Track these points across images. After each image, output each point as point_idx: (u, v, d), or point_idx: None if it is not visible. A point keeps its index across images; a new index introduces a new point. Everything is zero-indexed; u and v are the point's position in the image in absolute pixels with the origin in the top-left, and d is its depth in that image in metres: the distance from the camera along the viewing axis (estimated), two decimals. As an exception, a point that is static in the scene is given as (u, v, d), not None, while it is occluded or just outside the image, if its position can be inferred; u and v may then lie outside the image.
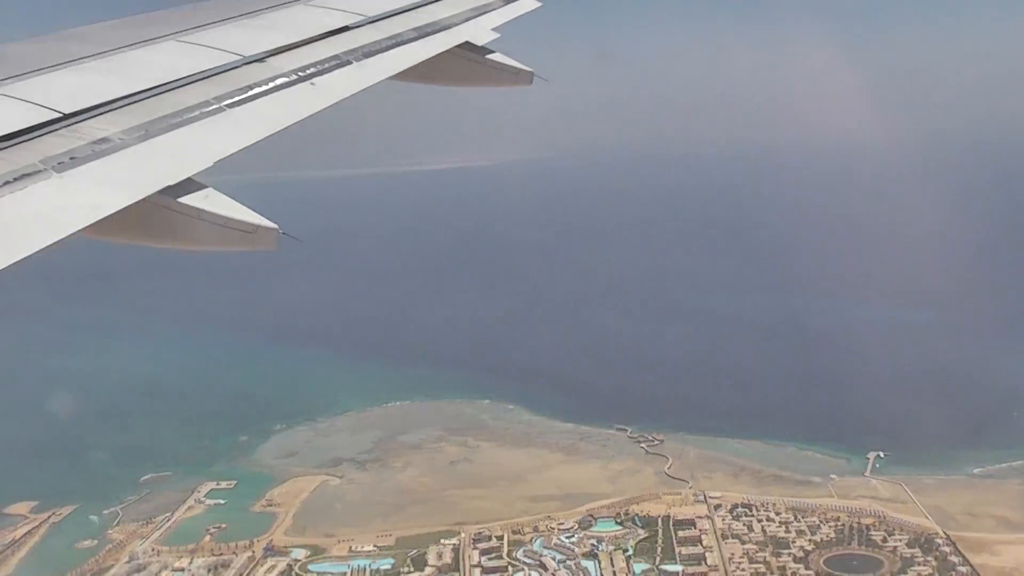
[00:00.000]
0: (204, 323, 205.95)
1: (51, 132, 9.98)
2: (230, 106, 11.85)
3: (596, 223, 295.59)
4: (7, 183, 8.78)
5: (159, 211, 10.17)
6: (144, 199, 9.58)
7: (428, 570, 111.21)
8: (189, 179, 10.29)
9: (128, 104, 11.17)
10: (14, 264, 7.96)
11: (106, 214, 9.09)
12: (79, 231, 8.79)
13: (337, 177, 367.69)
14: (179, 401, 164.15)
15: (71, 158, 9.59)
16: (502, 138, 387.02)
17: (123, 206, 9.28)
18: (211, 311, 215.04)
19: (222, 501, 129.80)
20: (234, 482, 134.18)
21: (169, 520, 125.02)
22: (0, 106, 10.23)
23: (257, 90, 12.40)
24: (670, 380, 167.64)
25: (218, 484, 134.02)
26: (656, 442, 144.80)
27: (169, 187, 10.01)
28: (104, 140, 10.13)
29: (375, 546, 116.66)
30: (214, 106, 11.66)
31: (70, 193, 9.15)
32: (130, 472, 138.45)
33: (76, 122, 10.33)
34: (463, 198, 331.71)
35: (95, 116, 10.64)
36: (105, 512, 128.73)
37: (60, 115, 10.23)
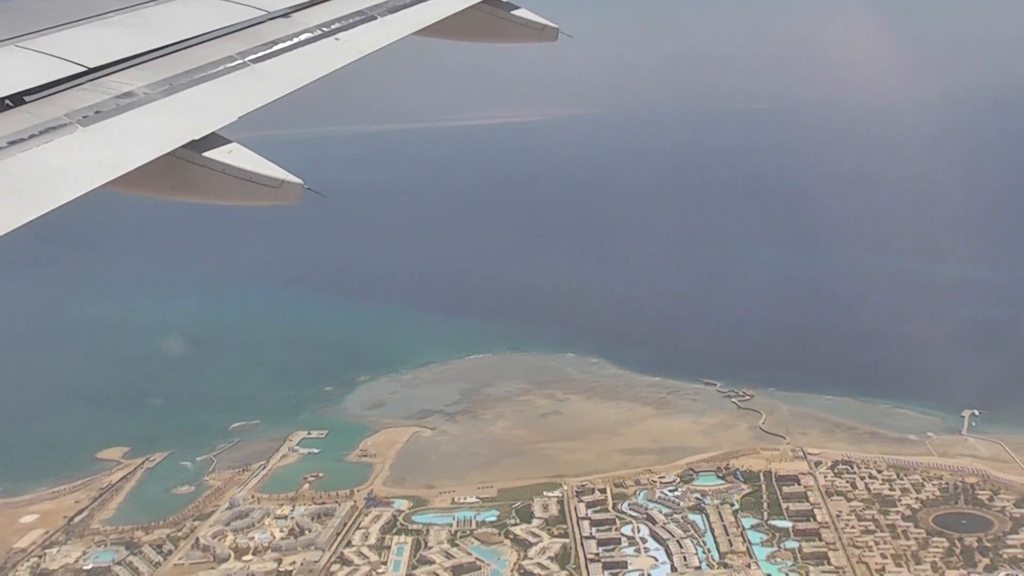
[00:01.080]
0: (267, 277, 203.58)
1: (76, 86, 10.03)
2: (254, 61, 11.84)
3: (648, 179, 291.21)
4: (33, 136, 8.80)
5: (183, 166, 10.14)
6: (168, 153, 9.65)
7: (535, 522, 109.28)
8: (213, 134, 10.27)
9: (153, 59, 11.19)
10: (46, 215, 8.00)
11: (131, 168, 9.13)
12: (104, 185, 8.83)
13: (381, 132, 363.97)
14: (256, 352, 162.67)
15: (96, 112, 9.62)
16: (550, 93, 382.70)
17: (147, 160, 9.33)
18: (272, 265, 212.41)
19: (316, 450, 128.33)
20: (325, 432, 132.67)
21: (264, 468, 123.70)
22: (25, 60, 10.26)
23: (281, 45, 12.45)
24: (751, 335, 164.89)
25: (309, 433, 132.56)
26: (746, 397, 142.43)
27: (193, 142, 10.02)
28: (129, 94, 10.17)
29: (477, 497, 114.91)
30: (238, 61, 11.67)
31: (95, 147, 9.19)
32: (218, 420, 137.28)
33: (101, 76, 10.36)
34: (513, 152, 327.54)
35: (120, 70, 10.67)
36: (198, 459, 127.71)
37: (85, 69, 10.26)
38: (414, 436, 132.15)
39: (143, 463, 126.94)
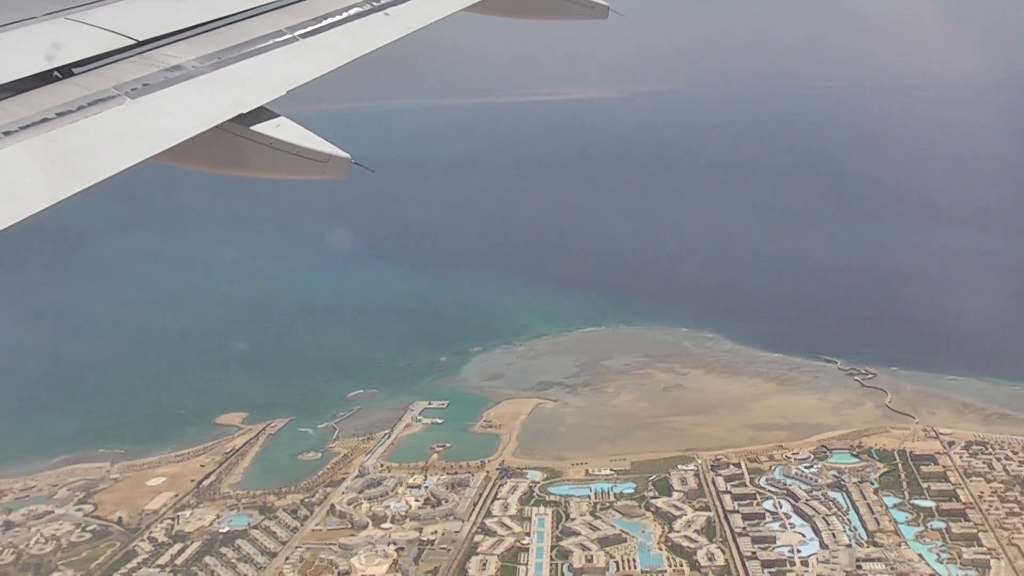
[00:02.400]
0: (365, 249, 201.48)
1: (125, 59, 10.15)
2: (304, 36, 11.91)
3: (727, 155, 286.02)
4: (81, 108, 8.98)
5: (231, 139, 10.13)
6: (216, 127, 9.71)
7: (675, 495, 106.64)
8: (262, 108, 10.32)
9: (202, 32, 11.22)
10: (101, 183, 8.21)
11: (178, 141, 9.21)
12: (151, 157, 8.94)
13: (451, 106, 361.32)
14: (364, 322, 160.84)
15: (144, 84, 9.73)
16: (623, 70, 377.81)
17: (195, 133, 9.40)
18: (367, 238, 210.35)
19: (439, 420, 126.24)
20: (446, 402, 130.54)
21: (390, 437, 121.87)
22: (76, 32, 10.28)
23: (330, 20, 12.49)
24: (865, 313, 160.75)
25: (430, 403, 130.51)
26: (869, 375, 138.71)
27: (241, 115, 10.05)
28: (177, 67, 10.24)
29: (611, 470, 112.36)
30: (287, 36, 11.76)
31: (143, 119, 9.31)
32: (334, 389, 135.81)
33: (150, 49, 10.47)
34: (588, 127, 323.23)
35: (169, 44, 10.73)
36: (320, 426, 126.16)
37: (134, 42, 10.36)
38: (537, 408, 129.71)
39: (264, 429, 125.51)
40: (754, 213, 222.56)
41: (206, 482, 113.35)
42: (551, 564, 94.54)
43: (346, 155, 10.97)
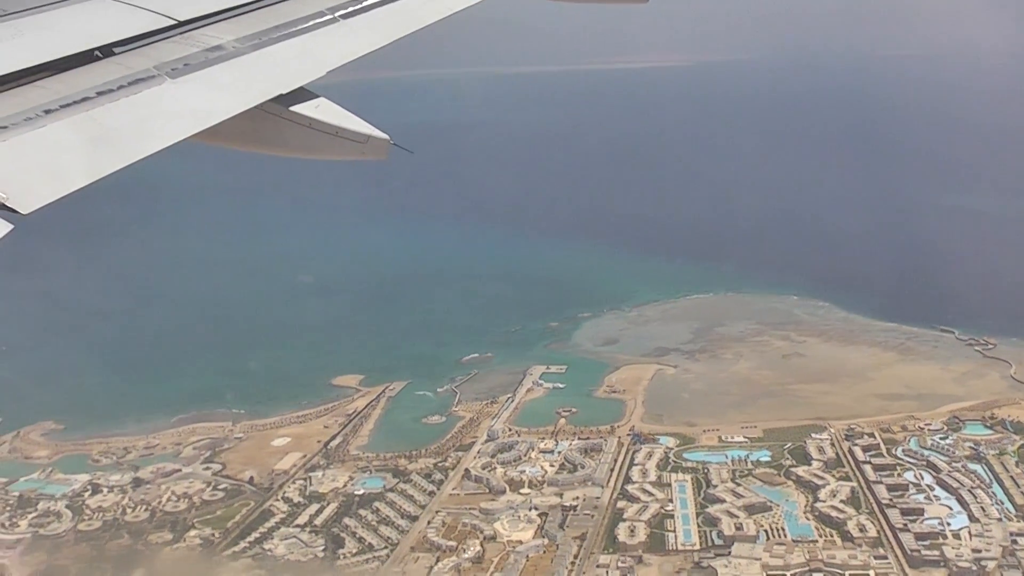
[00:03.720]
0: (459, 215, 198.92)
1: (166, 39, 10.30)
2: (344, 16, 12.07)
3: (806, 123, 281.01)
4: (122, 87, 9.06)
5: (270, 119, 10.25)
6: (256, 107, 9.82)
7: (814, 464, 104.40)
8: (301, 88, 10.48)
9: (243, 13, 11.38)
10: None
11: (217, 121, 9.30)
12: (191, 136, 9.03)
13: (528, 73, 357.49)
14: (471, 287, 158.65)
15: (185, 64, 9.83)
16: (699, 38, 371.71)
17: (234, 113, 9.50)
18: (462, 203, 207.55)
19: (561, 385, 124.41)
20: (564, 367, 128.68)
21: (513, 401, 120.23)
22: (117, 13, 10.43)
23: (371, 0, 12.62)
24: (978, 282, 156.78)
25: (548, 368, 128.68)
26: (989, 346, 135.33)
27: (281, 96, 10.23)
28: (218, 48, 10.37)
29: (744, 437, 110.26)
30: (328, 16, 11.93)
31: (183, 99, 9.38)
32: (447, 352, 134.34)
33: (190, 29, 10.61)
34: (661, 96, 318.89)
35: (209, 24, 10.89)
36: (439, 390, 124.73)
37: (175, 22, 10.53)
38: (658, 373, 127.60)
39: (383, 392, 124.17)
40: (842, 181, 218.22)
41: (333, 443, 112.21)
42: (699, 531, 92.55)
43: (385, 136, 10.83)
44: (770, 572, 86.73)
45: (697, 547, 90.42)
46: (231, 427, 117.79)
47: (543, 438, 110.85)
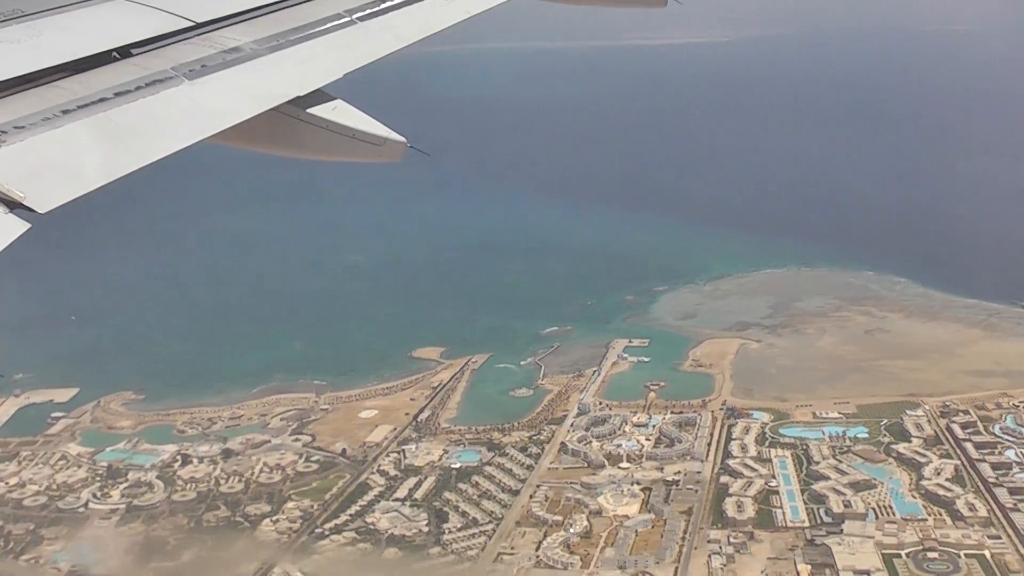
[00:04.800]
0: (527, 187, 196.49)
1: (183, 40, 10.40)
2: (362, 19, 12.10)
3: (852, 96, 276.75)
4: (139, 88, 9.11)
5: (287, 121, 10.33)
6: (273, 109, 9.93)
7: (914, 441, 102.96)
8: (318, 90, 10.51)
9: (260, 15, 11.46)
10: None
11: (234, 122, 9.37)
12: (208, 138, 9.08)
13: (564, 48, 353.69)
14: (541, 260, 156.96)
15: (202, 66, 9.92)
16: (738, 15, 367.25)
17: (252, 115, 9.58)
18: (525, 177, 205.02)
19: (645, 359, 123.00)
20: (647, 341, 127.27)
21: (599, 375, 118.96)
22: (135, 14, 10.52)
23: (390, 3, 12.66)
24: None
25: (631, 341, 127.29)
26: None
27: (298, 98, 10.28)
28: (235, 49, 10.44)
29: (839, 413, 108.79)
30: (345, 19, 11.96)
31: (200, 100, 9.46)
32: (526, 325, 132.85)
33: (208, 31, 10.71)
34: (710, 71, 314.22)
35: (227, 26, 10.98)
36: (522, 363, 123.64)
37: (193, 24, 10.59)
38: (742, 348, 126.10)
39: (466, 364, 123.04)
40: (900, 156, 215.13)
41: (422, 416, 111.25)
42: (806, 508, 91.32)
43: (402, 139, 10.85)
44: (884, 551, 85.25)
45: (806, 524, 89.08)
46: (315, 398, 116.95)
47: (635, 412, 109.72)
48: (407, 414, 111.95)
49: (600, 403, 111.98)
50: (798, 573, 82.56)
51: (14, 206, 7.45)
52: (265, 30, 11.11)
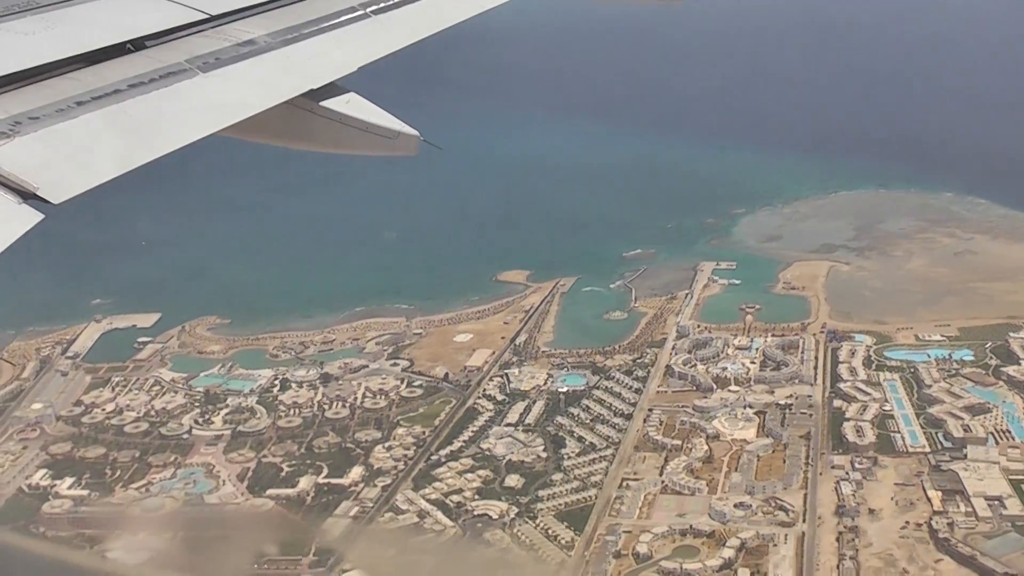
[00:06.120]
0: (587, 112, 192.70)
1: (198, 33, 10.39)
2: (376, 12, 12.07)
3: (919, 33, 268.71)
4: (153, 81, 9.12)
5: (300, 114, 10.27)
6: (286, 102, 9.90)
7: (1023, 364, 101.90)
8: (332, 84, 10.45)
9: (274, 8, 11.48)
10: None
11: (248, 115, 9.32)
12: (221, 130, 9.05)
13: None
14: (614, 183, 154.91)
15: (216, 59, 9.92)
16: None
17: (265, 107, 9.55)
18: (597, 103, 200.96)
19: (736, 281, 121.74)
20: (734, 263, 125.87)
21: (692, 297, 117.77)
22: (148, 6, 10.62)
23: None
24: None
25: (718, 264, 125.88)
26: None
27: (312, 91, 10.23)
28: (249, 42, 10.47)
29: (941, 335, 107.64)
30: (359, 12, 11.94)
31: (214, 92, 9.48)
32: (607, 248, 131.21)
33: (222, 24, 10.71)
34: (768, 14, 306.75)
35: (242, 19, 10.99)
36: (611, 286, 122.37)
37: (207, 16, 10.60)
38: (832, 270, 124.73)
39: (554, 287, 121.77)
40: (968, 78, 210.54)
41: (519, 340, 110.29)
42: (924, 432, 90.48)
43: (415, 132, 10.78)
44: (1012, 476, 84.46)
45: (927, 449, 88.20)
46: (406, 322, 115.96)
47: (735, 335, 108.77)
48: (503, 338, 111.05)
49: (698, 326, 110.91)
50: (929, 499, 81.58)
51: (28, 196, 7.36)
52: (279, 23, 11.09)
